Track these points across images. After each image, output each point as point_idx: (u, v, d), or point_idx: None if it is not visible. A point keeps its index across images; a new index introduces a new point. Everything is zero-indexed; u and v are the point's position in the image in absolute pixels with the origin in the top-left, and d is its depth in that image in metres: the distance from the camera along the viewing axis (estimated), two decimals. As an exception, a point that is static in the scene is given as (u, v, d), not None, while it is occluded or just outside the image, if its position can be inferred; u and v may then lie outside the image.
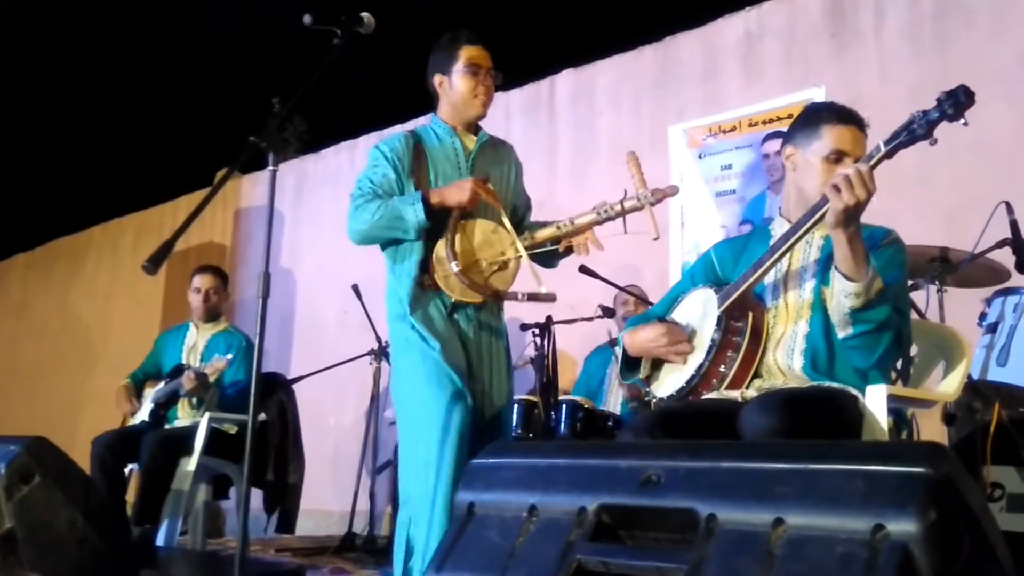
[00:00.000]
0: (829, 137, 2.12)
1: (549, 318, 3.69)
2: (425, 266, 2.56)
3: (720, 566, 1.22)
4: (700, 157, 4.77)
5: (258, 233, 7.01)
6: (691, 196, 4.73)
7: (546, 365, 3.47)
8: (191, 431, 3.70)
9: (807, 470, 1.26)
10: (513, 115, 5.57)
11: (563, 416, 3.43)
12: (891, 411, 2.02)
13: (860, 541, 1.15)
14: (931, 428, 3.05)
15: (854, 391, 2.02)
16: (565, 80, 5.52)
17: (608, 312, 4.12)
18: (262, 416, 3.71)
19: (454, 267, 2.48)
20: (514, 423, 3.45)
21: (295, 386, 4.18)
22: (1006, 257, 3.07)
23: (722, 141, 4.69)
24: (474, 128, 2.75)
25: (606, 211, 2.52)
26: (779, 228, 2.22)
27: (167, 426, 3.97)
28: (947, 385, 2.29)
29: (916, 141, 1.86)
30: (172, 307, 6.88)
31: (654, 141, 4.90)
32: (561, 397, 3.51)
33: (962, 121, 1.83)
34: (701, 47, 4.95)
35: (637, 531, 1.38)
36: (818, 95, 4.36)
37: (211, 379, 3.74)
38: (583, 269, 3.56)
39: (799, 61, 4.57)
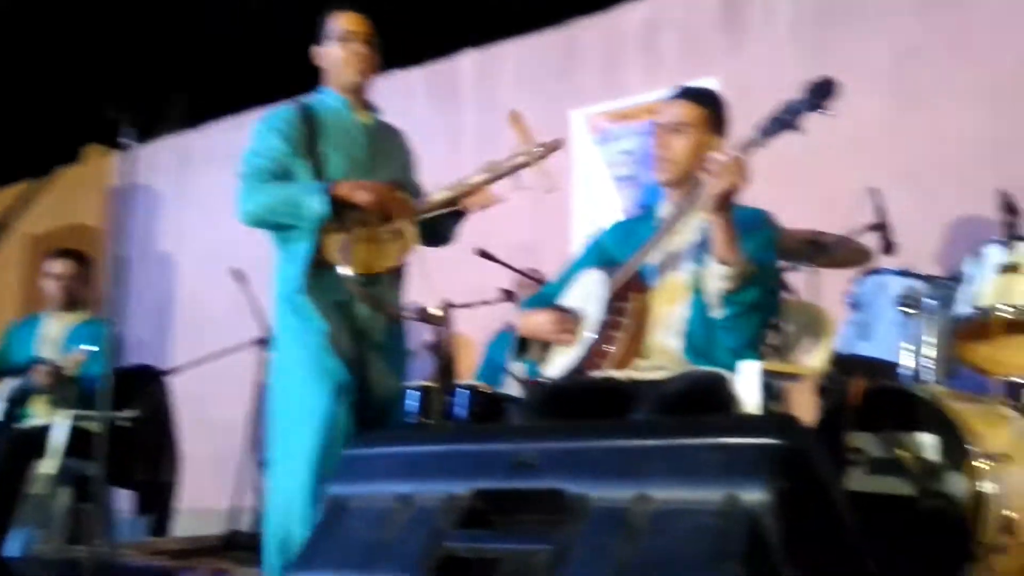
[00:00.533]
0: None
1: (446, 303, 3.70)
2: (319, 245, 2.45)
3: (586, 545, 1.28)
4: (601, 143, 4.86)
5: (136, 213, 6.72)
6: (592, 181, 4.82)
7: (444, 350, 3.48)
8: (46, 430, 3.45)
9: (671, 446, 1.34)
10: (415, 94, 5.52)
11: (461, 401, 3.45)
12: (763, 386, 2.13)
13: (716, 512, 1.24)
14: (807, 401, 3.23)
15: (728, 374, 2.12)
16: (468, 60, 5.50)
17: (510, 296, 4.15)
18: (131, 412, 3.53)
19: (345, 270, 2.42)
20: (412, 409, 3.46)
21: (176, 379, 4.02)
22: (873, 240, 3.26)
23: (622, 127, 4.78)
24: (367, 101, 2.66)
25: (495, 169, 2.51)
26: (664, 211, 2.31)
27: (17, 425, 3.65)
28: (815, 359, 2.43)
29: (785, 130, 1.97)
30: (36, 296, 6.48)
31: (555, 125, 4.94)
32: (460, 382, 3.54)
33: (827, 112, 1.93)
34: (602, 33, 5.02)
35: (509, 515, 1.43)
36: (712, 85, 4.49)
37: (69, 373, 3.48)
38: (480, 253, 3.59)
39: (695, 52, 4.70)
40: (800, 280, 3.30)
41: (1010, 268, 2.68)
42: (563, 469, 1.39)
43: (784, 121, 1.97)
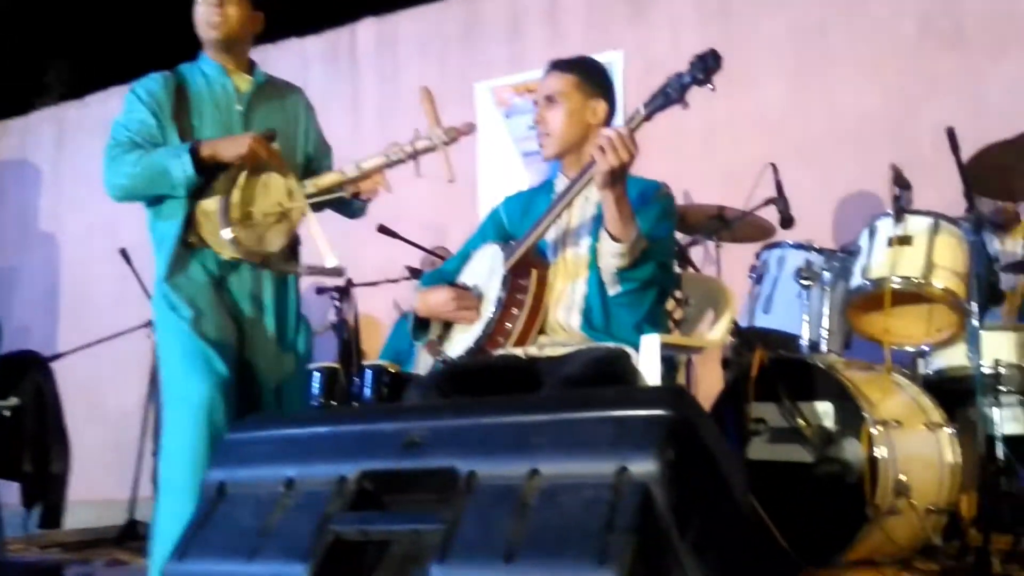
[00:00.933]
0: None
1: (349, 281, 3.64)
2: (191, 223, 2.33)
3: (476, 522, 1.26)
4: (507, 116, 4.83)
5: (12, 190, 6.38)
6: (499, 155, 4.79)
7: (347, 330, 3.42)
8: None
9: (561, 420, 1.32)
10: (311, 63, 5.37)
11: (368, 382, 3.40)
12: (664, 359, 2.14)
13: (606, 484, 1.22)
14: (714, 373, 3.28)
15: (628, 349, 2.11)
16: (367, 29, 5.38)
17: (415, 274, 4.10)
18: (13, 400, 3.35)
19: (226, 232, 2.27)
20: (316, 391, 3.39)
21: (66, 365, 3.85)
22: (774, 215, 3.32)
23: (528, 100, 4.75)
24: (248, 66, 2.53)
25: (396, 153, 2.37)
26: (560, 184, 2.29)
27: None
28: (715, 332, 2.46)
29: (671, 104, 1.95)
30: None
31: (460, 97, 4.90)
32: (365, 362, 3.48)
33: (710, 86, 1.92)
34: (506, 4, 4.98)
35: (400, 495, 1.40)
36: (616, 58, 4.50)
37: None
38: (382, 229, 3.53)
39: (599, 24, 4.70)
40: (702, 254, 3.34)
41: (901, 241, 2.75)
42: (453, 447, 1.37)
43: (669, 95, 1.95)
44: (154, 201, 2.40)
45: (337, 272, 2.37)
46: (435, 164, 2.35)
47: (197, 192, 2.31)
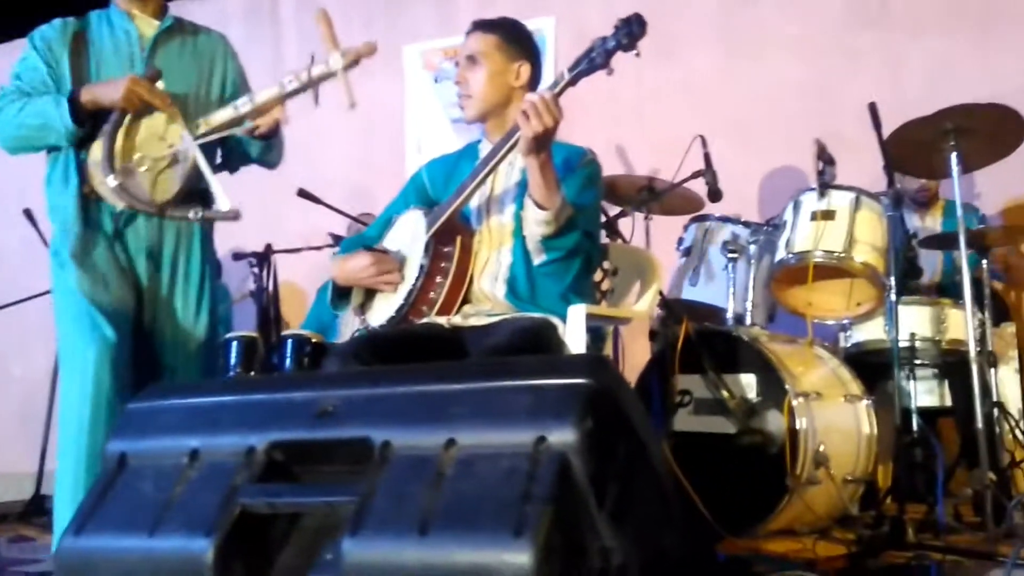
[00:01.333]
0: None
1: (269, 247, 3.52)
2: (83, 175, 2.20)
3: (390, 494, 1.22)
4: (436, 81, 4.74)
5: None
6: (428, 121, 4.71)
7: (267, 298, 3.31)
8: None
9: (479, 389, 1.28)
10: (231, 20, 5.17)
11: (288, 352, 3.30)
12: (590, 330, 2.12)
13: (524, 454, 1.19)
14: (642, 345, 3.29)
15: (554, 319, 2.08)
16: (289, -13, 5.22)
17: (340, 241, 4.01)
18: None
19: (110, 179, 2.13)
20: (233, 362, 3.28)
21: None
22: (702, 187, 3.32)
23: (458, 65, 4.69)
24: (158, 10, 2.39)
25: (292, 82, 2.19)
26: (484, 149, 2.24)
27: None
28: (641, 304, 2.45)
29: (596, 70, 1.91)
30: None
31: (388, 61, 4.79)
32: (286, 332, 3.38)
33: (635, 52, 1.88)
34: (434, -34, 4.88)
35: (313, 466, 1.35)
36: (548, 24, 4.45)
37: None
38: (302, 193, 3.42)
39: (531, -11, 4.63)
40: (631, 225, 3.33)
41: (824, 215, 2.78)
42: (368, 416, 1.32)
43: (594, 60, 1.91)
44: (50, 151, 2.28)
45: (232, 215, 2.19)
46: (336, 92, 2.18)
47: (86, 140, 2.19)
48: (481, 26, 2.26)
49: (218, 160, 2.45)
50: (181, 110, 2.25)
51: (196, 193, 2.27)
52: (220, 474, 1.35)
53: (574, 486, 1.16)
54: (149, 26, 2.36)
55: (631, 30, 1.86)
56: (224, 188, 2.21)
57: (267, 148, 2.42)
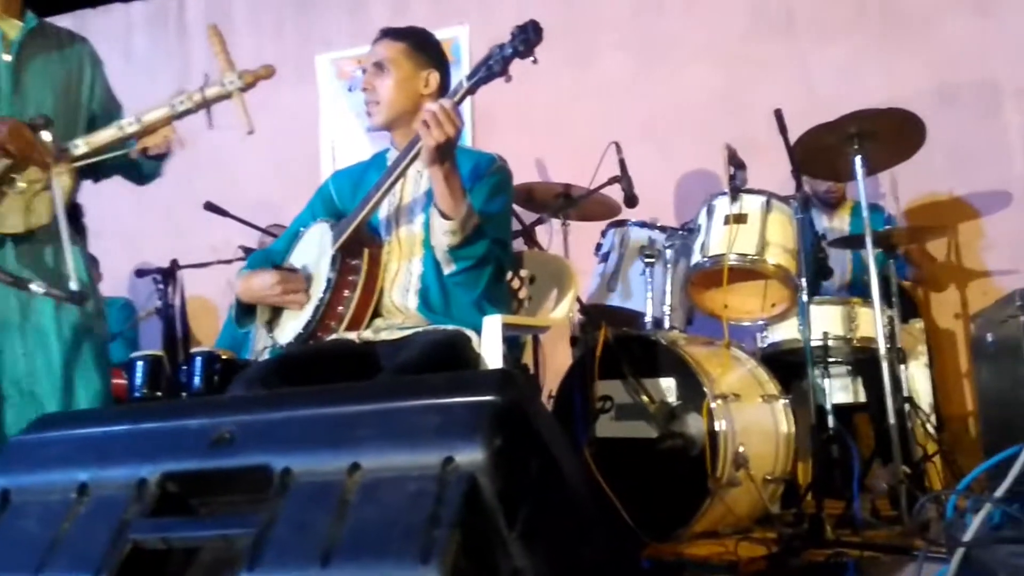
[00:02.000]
0: None
1: (175, 262, 3.40)
2: None
3: (290, 523, 1.15)
4: (350, 90, 4.68)
5: None
6: (342, 130, 4.64)
7: (171, 315, 3.19)
8: None
9: (384, 409, 1.23)
10: (135, 31, 5.02)
11: (196, 370, 3.19)
12: (507, 339, 2.08)
13: (431, 476, 1.14)
14: (563, 352, 3.27)
15: (469, 331, 2.03)
16: (196, -4, 5.10)
17: (250, 254, 3.90)
18: None
19: None
20: (138, 382, 3.15)
21: None
22: (619, 193, 3.33)
23: (373, 75, 4.63)
24: (19, 11, 2.23)
25: (183, 102, 2.05)
26: (392, 157, 2.18)
27: None
28: (558, 311, 2.43)
29: (494, 77, 1.87)
30: None
31: (301, 70, 4.71)
32: (194, 349, 3.26)
33: (531, 59, 1.84)
34: (346, -26, 4.82)
35: (210, 497, 1.27)
36: (462, 33, 4.42)
37: None
38: (209, 206, 3.31)
39: (444, -2, 4.61)
40: (548, 232, 3.32)
41: (736, 219, 2.81)
42: (266, 442, 1.25)
43: (492, 68, 1.86)
44: None
45: (79, 299, 1.98)
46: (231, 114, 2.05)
47: None
48: (389, 33, 2.21)
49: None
50: (51, 115, 2.09)
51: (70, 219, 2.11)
52: (110, 508, 1.26)
53: (483, 507, 1.12)
54: (12, 27, 2.20)
55: (527, 37, 1.82)
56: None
57: (154, 169, 2.30)
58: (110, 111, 2.33)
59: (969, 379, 3.76)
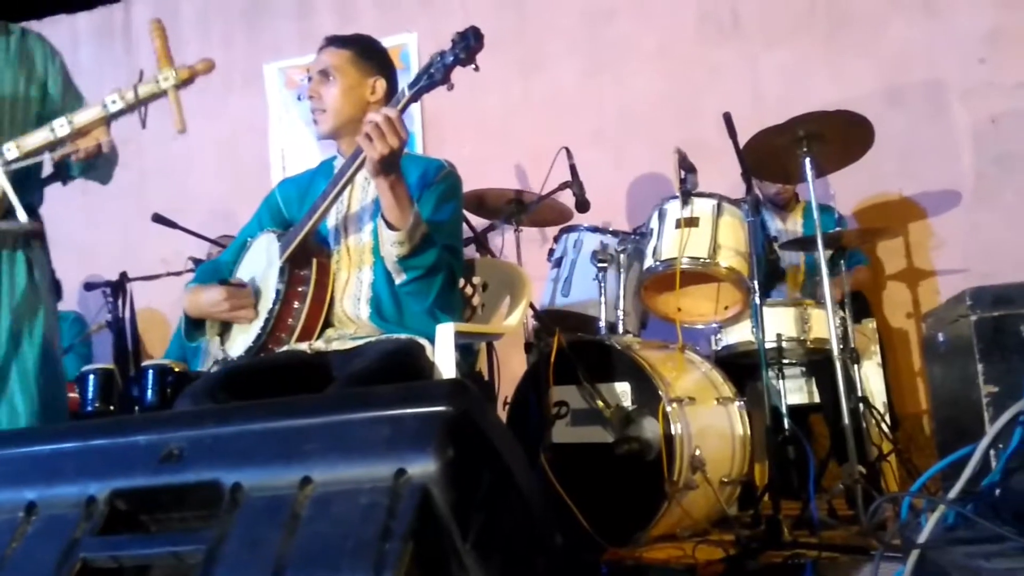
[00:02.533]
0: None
1: (124, 274, 3.33)
2: None
3: (241, 539, 1.13)
4: (299, 99, 4.62)
5: None
6: (292, 138, 4.60)
7: (122, 328, 3.13)
8: None
9: (334, 422, 1.21)
10: (82, 42, 4.94)
11: (149, 383, 3.13)
12: (460, 347, 2.07)
13: (384, 489, 1.12)
14: (518, 358, 3.26)
15: (422, 340, 2.01)
16: (143, 5, 5.03)
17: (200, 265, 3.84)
18: None
19: None
20: (90, 396, 3.09)
21: None
22: (570, 198, 3.33)
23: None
24: None
25: (115, 102, 1.97)
26: (340, 165, 2.15)
27: None
28: (512, 318, 2.41)
29: (436, 85, 1.84)
30: None
31: (249, 79, 4.66)
32: (146, 362, 3.20)
33: (473, 66, 1.81)
34: (296, -16, 4.78)
35: (161, 514, 1.24)
36: (411, 40, 4.40)
37: None
38: (157, 218, 3.25)
39: (392, 5, 4.59)
40: (500, 238, 3.32)
41: (688, 222, 2.82)
42: (216, 458, 1.22)
43: (433, 76, 1.84)
44: None
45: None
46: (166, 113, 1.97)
47: None
48: (334, 41, 2.19)
49: (49, 171, 2.27)
50: (8, 113, 2.09)
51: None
52: (59, 527, 1.24)
53: (436, 519, 1.10)
54: None
55: (468, 44, 1.79)
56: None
57: (88, 167, 2.24)
58: (75, 103, 2.28)
59: (922, 378, 3.83)
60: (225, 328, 2.14)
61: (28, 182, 2.15)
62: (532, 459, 2.57)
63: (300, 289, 2.00)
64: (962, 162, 3.90)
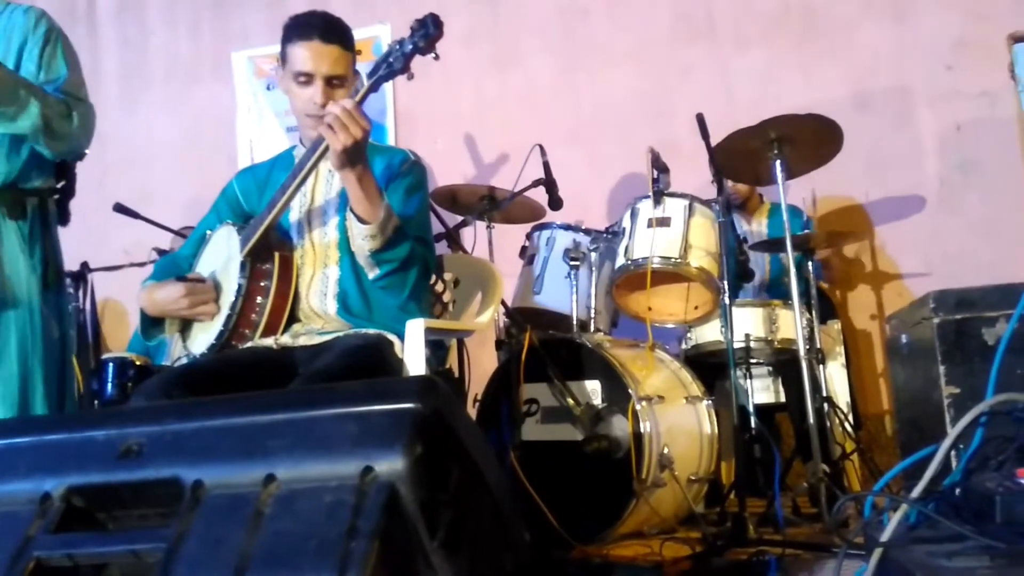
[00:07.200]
0: (292, 58, 2.02)
1: (85, 264, 3.26)
2: None
3: (202, 538, 1.10)
4: (268, 88, 4.58)
5: None
6: (261, 129, 4.54)
7: (82, 320, 3.07)
8: None
9: (300, 419, 1.18)
10: (43, 20, 4.85)
11: (109, 377, 3.08)
12: (430, 343, 2.05)
13: (350, 487, 1.10)
14: (489, 355, 3.25)
15: (391, 335, 1.98)
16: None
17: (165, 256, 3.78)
18: None
19: None
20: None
21: None
22: (543, 195, 3.33)
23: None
24: None
25: None
26: (300, 155, 2.07)
27: None
28: (483, 315, 2.40)
29: (395, 75, 1.78)
30: None
31: (217, 67, 4.59)
32: (105, 356, 3.15)
33: (433, 55, 1.77)
34: (267, -29, 4.71)
35: (119, 511, 1.21)
36: (384, 31, 4.37)
37: None
38: (119, 208, 3.19)
39: (364, -4, 4.54)
40: (473, 235, 3.30)
41: (659, 222, 2.83)
42: (177, 454, 1.19)
43: (392, 65, 1.79)
44: None
45: None
46: None
47: None
48: (339, 41, 2.03)
49: None
50: None
51: None
52: (12, 525, 1.20)
53: (403, 517, 1.09)
54: None
55: (427, 32, 1.74)
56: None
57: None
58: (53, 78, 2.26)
59: (885, 379, 3.88)
60: (186, 325, 2.09)
61: None
62: (501, 457, 2.57)
63: (263, 284, 1.96)
64: (927, 168, 3.96)
